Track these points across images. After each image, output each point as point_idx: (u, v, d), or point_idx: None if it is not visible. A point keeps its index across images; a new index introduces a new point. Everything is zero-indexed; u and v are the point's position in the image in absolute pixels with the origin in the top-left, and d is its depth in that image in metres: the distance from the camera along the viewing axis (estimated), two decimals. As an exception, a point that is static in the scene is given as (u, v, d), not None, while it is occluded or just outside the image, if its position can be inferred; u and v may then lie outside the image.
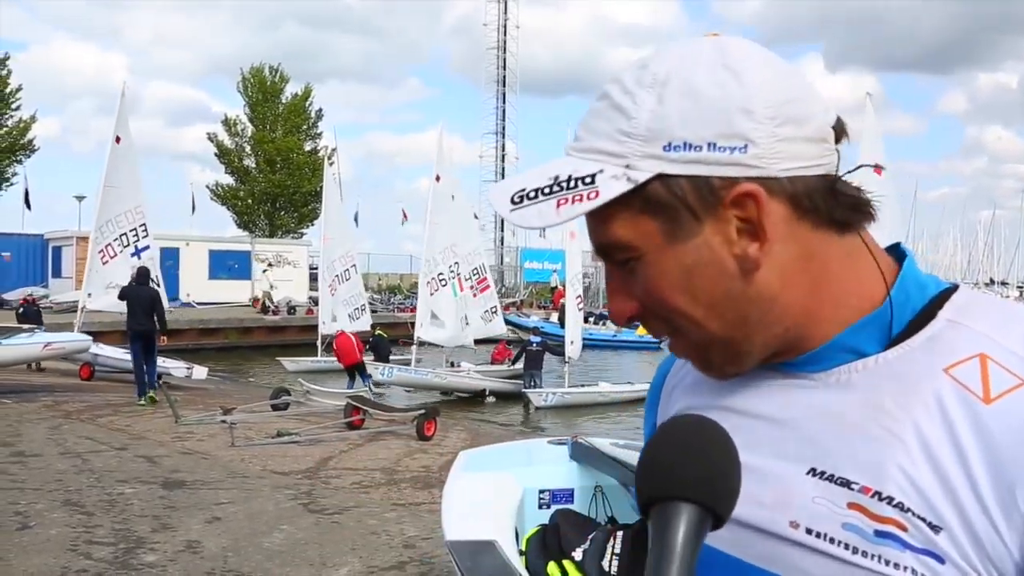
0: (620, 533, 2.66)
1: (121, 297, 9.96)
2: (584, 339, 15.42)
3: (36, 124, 30.37)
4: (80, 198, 35.78)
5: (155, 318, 9.74)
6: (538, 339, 14.80)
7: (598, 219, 0.56)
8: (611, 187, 0.53)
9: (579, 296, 14.81)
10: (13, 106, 29.54)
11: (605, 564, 2.59)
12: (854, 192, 0.57)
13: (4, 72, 29.24)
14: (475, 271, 14.56)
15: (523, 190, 0.55)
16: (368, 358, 13.64)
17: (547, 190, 0.54)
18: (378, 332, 15.41)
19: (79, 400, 9.85)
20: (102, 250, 10.93)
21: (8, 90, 29.32)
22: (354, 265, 15.39)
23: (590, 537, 2.68)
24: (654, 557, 0.42)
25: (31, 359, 10.78)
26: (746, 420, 0.58)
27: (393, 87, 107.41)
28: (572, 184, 0.54)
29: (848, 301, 0.56)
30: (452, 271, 13.83)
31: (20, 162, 30.48)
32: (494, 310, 14.99)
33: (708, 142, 0.52)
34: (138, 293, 9.79)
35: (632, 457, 3.00)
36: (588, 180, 0.54)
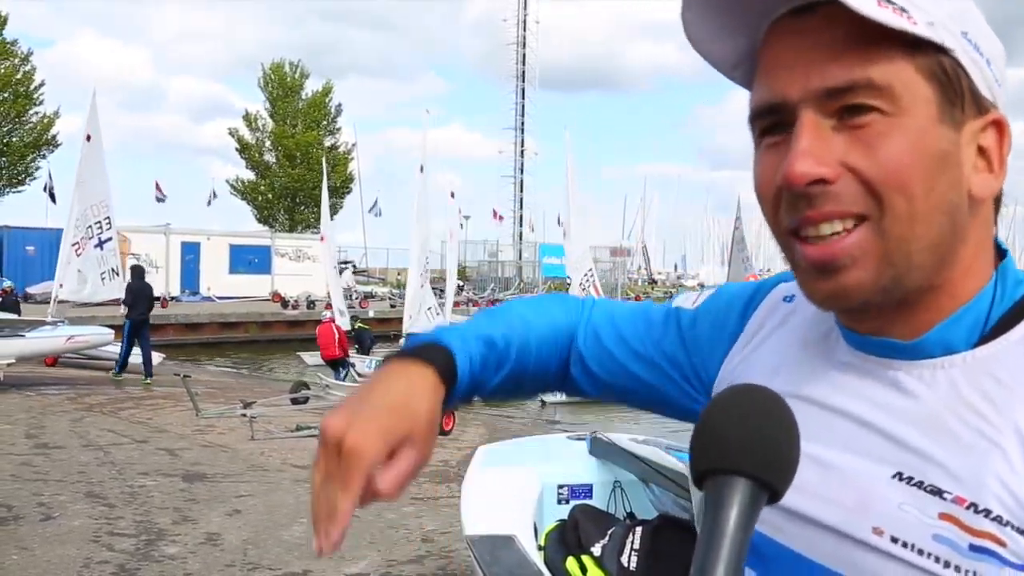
0: (639, 528, 2.65)
1: (129, 293, 11.35)
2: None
3: (60, 120, 30.89)
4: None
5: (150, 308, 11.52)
6: None
7: (871, 52, 0.49)
8: (922, 28, 0.48)
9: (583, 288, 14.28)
10: (37, 101, 30.10)
11: (624, 559, 2.58)
12: None
13: (28, 68, 29.85)
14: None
15: None
16: (352, 351, 13.53)
17: None
18: (359, 325, 15.44)
19: (101, 393, 10.01)
20: (76, 243, 11.54)
21: (32, 86, 29.86)
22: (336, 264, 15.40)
23: (609, 532, 2.67)
24: (706, 531, 0.40)
25: (55, 352, 10.98)
26: (826, 413, 0.55)
27: (412, 82, 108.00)
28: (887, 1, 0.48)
29: (969, 288, 0.53)
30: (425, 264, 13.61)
31: (44, 157, 31.05)
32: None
33: (988, 58, 0.51)
34: (141, 288, 11.44)
35: (652, 453, 2.99)
36: (901, 9, 0.48)
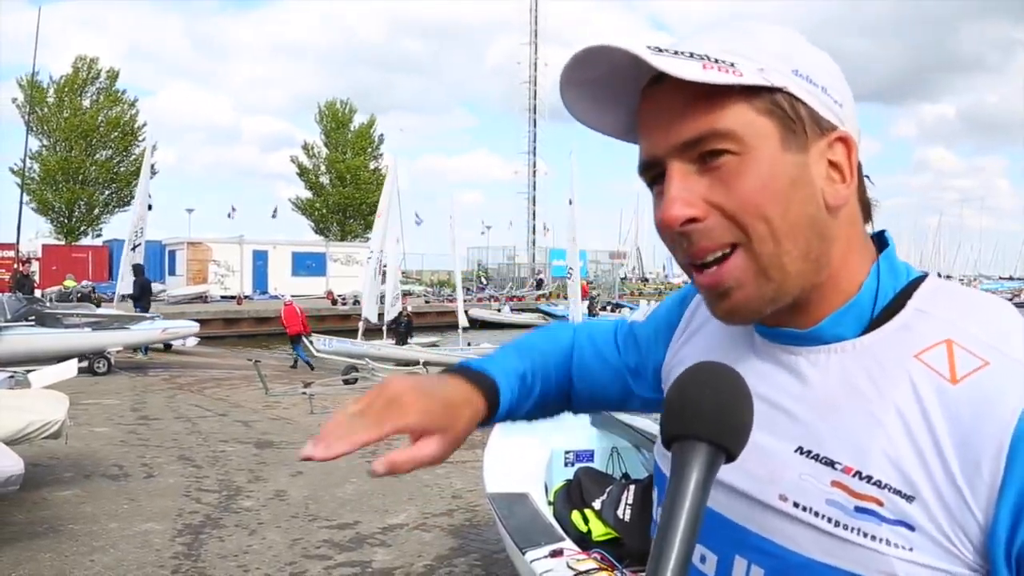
0: (632, 487, 2.65)
1: (144, 287, 12.09)
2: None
3: (157, 152, 31.63)
4: (190, 211, 37.09)
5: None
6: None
7: (713, 105, 0.48)
8: (751, 76, 0.48)
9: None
10: (140, 139, 31.27)
11: (620, 513, 2.57)
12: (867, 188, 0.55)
13: (134, 112, 31.46)
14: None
15: (657, 47, 0.48)
16: (387, 340, 13.35)
17: (688, 54, 0.48)
18: (405, 315, 15.38)
19: (189, 375, 10.13)
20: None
21: (137, 126, 31.35)
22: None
23: (607, 490, 2.67)
24: (672, 487, 0.40)
25: (152, 341, 11.13)
26: None
27: (444, 116, 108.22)
28: (713, 60, 0.48)
29: (850, 279, 0.52)
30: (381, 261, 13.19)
31: (145, 182, 31.82)
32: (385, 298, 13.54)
33: (823, 86, 0.50)
34: (144, 284, 12.18)
35: (644, 424, 2.98)
36: (728, 64, 0.47)
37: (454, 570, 3.41)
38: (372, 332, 16.54)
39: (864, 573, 0.46)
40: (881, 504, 0.47)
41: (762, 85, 0.48)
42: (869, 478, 0.47)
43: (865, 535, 0.47)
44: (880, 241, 0.55)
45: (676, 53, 0.48)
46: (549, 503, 2.79)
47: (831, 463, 0.49)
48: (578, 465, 3.12)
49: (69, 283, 18.82)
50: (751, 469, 0.52)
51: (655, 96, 0.51)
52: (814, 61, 0.51)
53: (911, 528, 0.46)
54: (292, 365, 12.55)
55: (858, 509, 0.47)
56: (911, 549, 0.45)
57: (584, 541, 2.51)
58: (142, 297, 12.08)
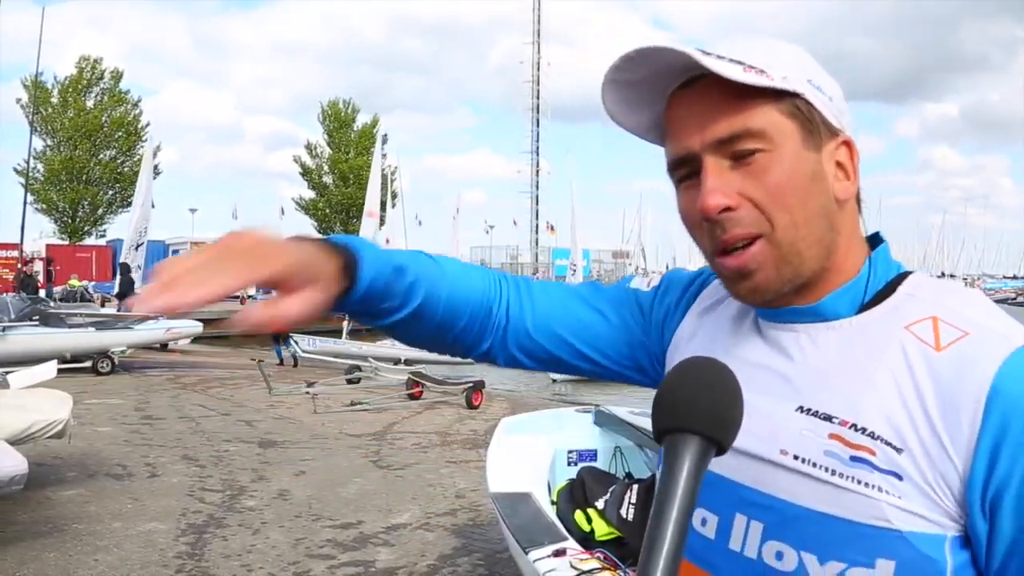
0: (636, 486, 2.65)
1: (130, 285, 12.49)
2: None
3: (160, 152, 31.76)
4: (193, 210, 37.29)
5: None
6: None
7: (745, 106, 0.54)
8: (780, 81, 0.54)
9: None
10: (144, 138, 31.43)
11: (623, 512, 2.57)
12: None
13: (137, 112, 31.61)
14: None
15: (703, 49, 0.54)
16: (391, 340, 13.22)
17: (729, 60, 0.53)
18: None
19: (193, 375, 10.17)
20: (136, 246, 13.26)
21: (140, 126, 31.47)
22: None
23: (610, 489, 2.67)
24: (663, 480, 0.41)
25: (156, 341, 11.15)
26: (748, 367, 0.58)
27: (448, 116, 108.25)
28: (749, 65, 0.53)
29: (849, 266, 0.59)
30: None
31: (148, 182, 31.99)
32: None
33: (830, 96, 0.57)
34: (131, 282, 12.49)
35: (646, 423, 2.98)
36: (760, 69, 0.54)
37: (457, 570, 3.41)
38: (369, 332, 16.42)
39: (857, 519, 0.51)
40: (874, 454, 0.51)
41: (786, 90, 0.54)
42: (864, 430, 0.52)
43: (859, 482, 0.51)
44: (875, 240, 0.62)
45: (719, 57, 0.53)
46: (552, 503, 2.79)
47: (829, 418, 0.54)
48: (581, 464, 3.11)
49: (74, 282, 18.97)
50: (754, 429, 0.55)
51: (687, 98, 0.56)
52: (822, 75, 0.57)
53: (900, 477, 0.51)
54: (292, 364, 12.61)
55: (853, 459, 0.52)
56: (900, 496, 0.50)
57: (587, 541, 2.51)
58: (127, 296, 12.30)
